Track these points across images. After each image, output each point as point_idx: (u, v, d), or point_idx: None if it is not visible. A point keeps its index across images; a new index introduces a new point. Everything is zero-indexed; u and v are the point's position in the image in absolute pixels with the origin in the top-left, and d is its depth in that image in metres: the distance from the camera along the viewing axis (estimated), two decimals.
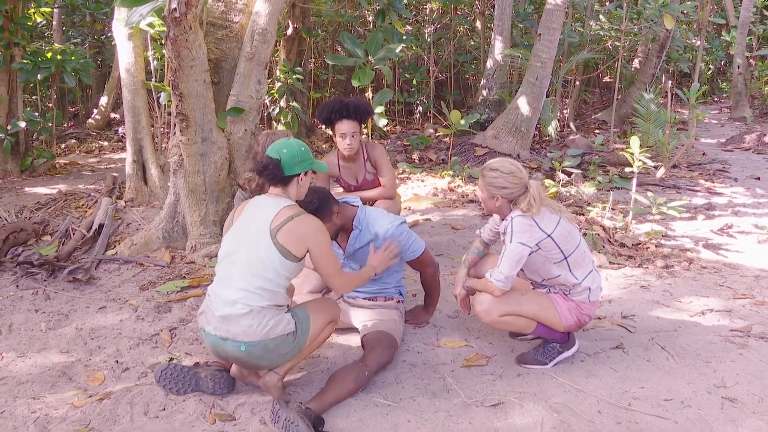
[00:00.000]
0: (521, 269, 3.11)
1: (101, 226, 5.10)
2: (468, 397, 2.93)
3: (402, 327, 3.41)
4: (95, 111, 12.12)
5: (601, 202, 5.87)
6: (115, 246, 4.89)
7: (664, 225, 5.52)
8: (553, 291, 3.21)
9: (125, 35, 6.05)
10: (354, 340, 3.41)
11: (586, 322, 3.23)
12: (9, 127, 7.67)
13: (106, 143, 10.70)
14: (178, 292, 4.06)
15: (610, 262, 4.69)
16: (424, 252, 3.44)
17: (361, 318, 3.39)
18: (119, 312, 3.83)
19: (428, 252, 3.48)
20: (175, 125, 4.51)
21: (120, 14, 5.99)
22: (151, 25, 6.09)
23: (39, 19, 9.26)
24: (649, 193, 5.38)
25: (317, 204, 3.14)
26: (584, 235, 5.03)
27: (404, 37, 9.65)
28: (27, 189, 7.03)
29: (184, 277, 4.25)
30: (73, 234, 5.05)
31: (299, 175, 2.91)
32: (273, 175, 2.85)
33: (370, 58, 6.73)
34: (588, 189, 6.24)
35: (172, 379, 2.87)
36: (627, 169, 5.66)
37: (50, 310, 3.84)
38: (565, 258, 3.06)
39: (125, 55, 6.08)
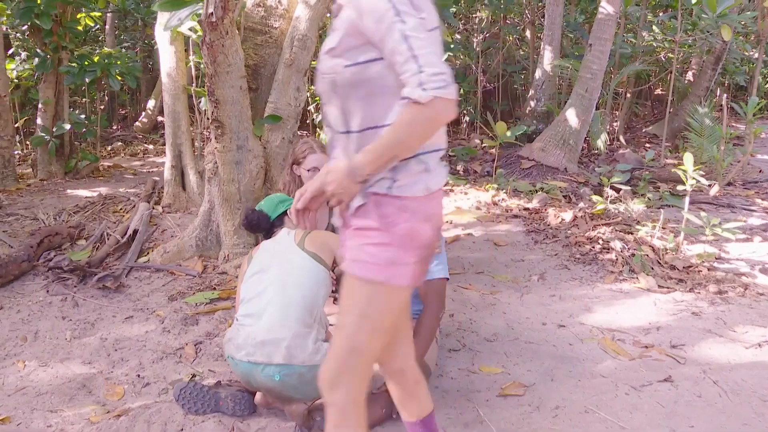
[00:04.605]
0: None
1: (135, 231, 5.04)
2: (502, 430, 2.74)
3: (436, 352, 3.22)
4: (143, 114, 12.24)
5: (650, 221, 5.60)
6: (148, 253, 4.82)
7: (717, 246, 5.23)
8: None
9: (167, 39, 6.01)
10: None
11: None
12: (54, 129, 7.74)
13: (151, 146, 10.78)
14: (207, 303, 3.95)
15: (659, 286, 4.43)
16: (441, 282, 3.00)
17: None
18: (146, 323, 3.73)
19: (445, 286, 3.08)
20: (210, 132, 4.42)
21: (162, 18, 5.95)
22: (193, 29, 6.03)
23: (90, 24, 9.35)
24: (702, 213, 5.10)
25: None
26: (632, 255, 4.79)
27: (452, 47, 9.49)
28: (69, 191, 7.06)
29: (215, 288, 4.15)
30: (108, 239, 5.01)
31: (285, 213, 2.94)
32: (260, 222, 2.91)
33: None
34: (637, 206, 5.97)
35: (191, 399, 2.75)
36: (679, 187, 5.39)
37: (77, 318, 3.77)
38: None
39: (167, 60, 6.04)
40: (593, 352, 3.49)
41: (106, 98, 13.81)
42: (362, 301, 1.81)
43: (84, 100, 10.66)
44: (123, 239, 4.93)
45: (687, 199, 5.08)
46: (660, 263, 4.82)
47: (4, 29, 10.03)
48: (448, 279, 3.06)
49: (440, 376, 3.20)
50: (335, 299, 3.04)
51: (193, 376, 3.14)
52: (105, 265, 4.56)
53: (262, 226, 2.93)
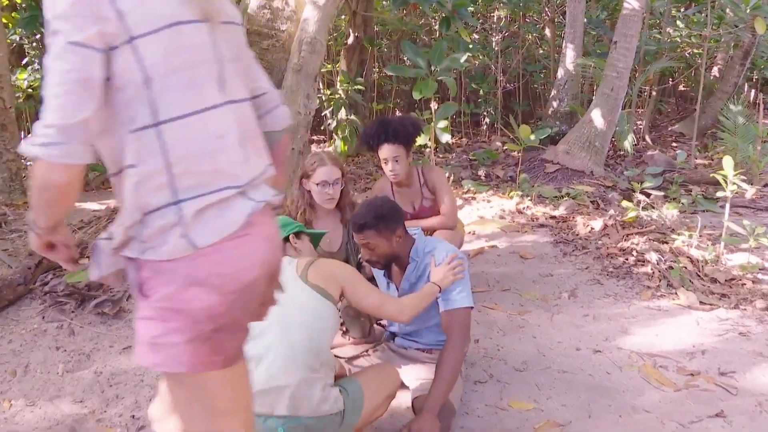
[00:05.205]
0: None
1: None
2: None
3: (461, 387, 2.91)
4: None
5: (686, 228, 5.24)
6: None
7: (760, 255, 4.85)
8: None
9: None
10: (404, 398, 2.91)
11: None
12: None
13: None
14: None
15: (701, 302, 4.08)
16: (465, 311, 2.70)
17: (414, 374, 2.90)
18: None
19: (470, 317, 2.77)
20: None
21: None
22: None
23: None
24: (745, 221, 4.73)
25: (387, 211, 2.70)
26: (670, 268, 4.44)
27: (470, 46, 9.17)
28: (77, 204, 6.82)
29: None
30: None
31: (287, 239, 2.64)
32: None
33: (433, 68, 6.27)
34: (670, 211, 5.61)
35: None
36: (719, 194, 5.02)
37: (71, 348, 3.49)
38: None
39: None
40: (634, 382, 3.16)
41: None
42: (168, 393, 1.51)
43: None
44: None
45: (727, 207, 4.71)
46: (700, 276, 4.47)
47: (18, 39, 9.88)
48: (472, 308, 2.75)
49: (465, 414, 2.88)
50: (344, 332, 2.75)
51: None
52: (105, 287, 4.29)
53: None
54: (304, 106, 4.32)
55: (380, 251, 2.73)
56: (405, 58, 11.01)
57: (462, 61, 6.40)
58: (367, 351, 3.07)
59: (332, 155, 3.45)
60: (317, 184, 3.34)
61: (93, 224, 5.73)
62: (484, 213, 6.16)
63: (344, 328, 2.73)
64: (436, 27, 10.96)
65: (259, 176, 1.55)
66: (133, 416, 2.87)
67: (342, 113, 8.14)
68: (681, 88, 14.45)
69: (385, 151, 3.64)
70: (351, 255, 3.51)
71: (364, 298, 2.43)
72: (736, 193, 6.33)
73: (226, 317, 1.45)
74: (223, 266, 1.43)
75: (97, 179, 7.93)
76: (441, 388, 2.53)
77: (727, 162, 4.56)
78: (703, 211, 6.12)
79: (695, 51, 11.54)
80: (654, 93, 10.85)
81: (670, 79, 11.81)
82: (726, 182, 4.58)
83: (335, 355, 2.95)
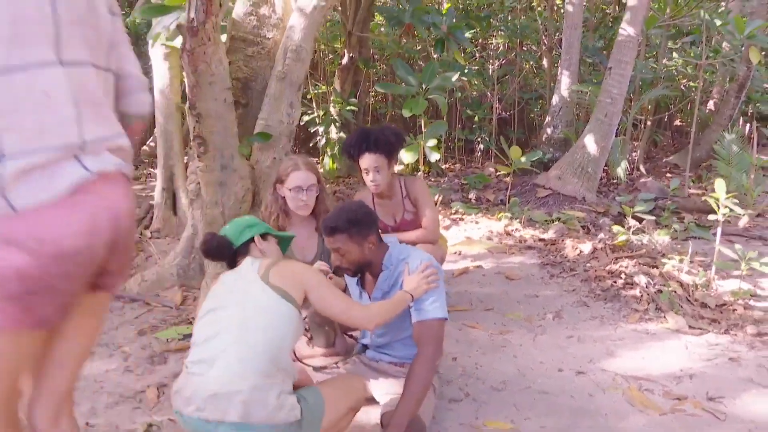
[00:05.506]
0: None
1: None
2: None
3: (433, 403, 2.76)
4: (150, 138, 11.95)
5: (677, 253, 5.12)
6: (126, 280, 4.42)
7: (752, 282, 4.73)
8: None
9: (161, 55, 5.67)
10: (373, 414, 2.77)
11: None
12: None
13: (155, 170, 10.45)
14: (180, 340, 3.52)
15: (690, 327, 3.95)
16: (438, 323, 2.57)
17: (384, 388, 2.75)
18: (108, 360, 3.30)
19: (443, 328, 2.62)
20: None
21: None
22: None
23: None
24: (737, 246, 4.61)
25: (360, 215, 2.59)
26: (659, 292, 4.32)
27: (466, 71, 9.13)
28: None
29: (191, 323, 3.71)
30: None
31: (252, 240, 2.51)
32: (220, 248, 2.48)
33: (424, 86, 6.19)
34: (661, 237, 5.50)
35: None
36: (710, 217, 4.91)
37: None
38: None
39: (160, 77, 5.70)
40: (617, 405, 3.01)
41: None
42: None
43: None
44: None
45: (719, 231, 4.60)
46: (690, 300, 4.33)
47: None
48: (446, 319, 2.62)
49: None
50: (309, 338, 2.60)
51: (150, 426, 2.70)
52: None
53: (222, 254, 2.49)
54: (287, 114, 4.21)
55: (351, 257, 2.60)
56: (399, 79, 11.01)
57: (453, 79, 6.32)
58: (336, 364, 2.93)
59: (307, 160, 3.33)
60: (291, 190, 3.22)
61: None
62: (471, 234, 6.04)
63: (309, 335, 2.59)
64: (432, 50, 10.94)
65: (99, 142, 1.52)
66: (87, 423, 2.72)
67: (333, 132, 8.05)
68: (677, 123, 14.42)
69: (366, 160, 3.53)
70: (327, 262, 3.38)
71: (329, 303, 2.30)
72: (728, 221, 6.25)
73: (40, 281, 1.42)
74: (43, 230, 1.41)
75: None
76: (410, 402, 2.39)
77: (719, 185, 4.46)
78: (696, 238, 6.00)
79: (691, 84, 11.52)
80: (649, 123, 10.80)
81: (666, 112, 11.75)
82: (718, 206, 4.47)
83: (305, 364, 2.81)
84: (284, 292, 2.18)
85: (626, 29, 7.27)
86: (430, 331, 2.53)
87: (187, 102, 3.70)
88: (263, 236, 2.55)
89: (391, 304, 2.47)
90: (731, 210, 4.47)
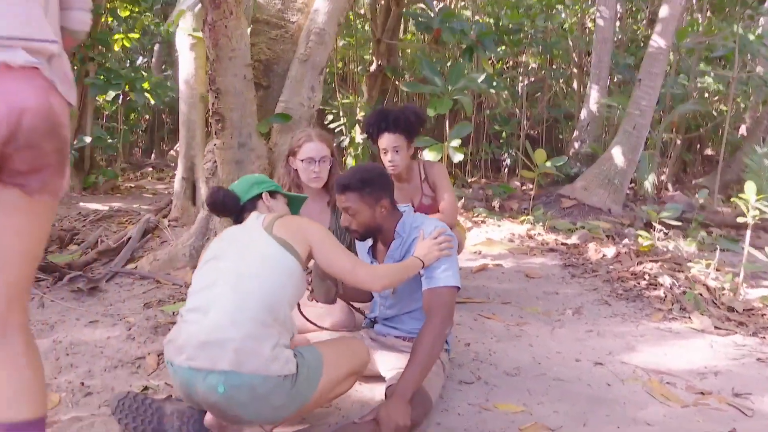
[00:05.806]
0: None
1: (129, 239, 4.60)
2: None
3: (442, 381, 2.64)
4: (177, 144, 12.07)
5: (704, 260, 4.95)
6: (139, 260, 4.37)
7: None
8: None
9: (188, 46, 5.67)
10: (379, 390, 2.65)
11: None
12: (75, 142, 7.46)
13: None
14: None
15: (715, 327, 3.78)
16: (449, 290, 2.46)
17: (390, 363, 2.63)
18: (111, 328, 3.23)
19: (454, 297, 2.51)
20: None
21: (185, 23, 5.63)
22: None
23: (128, 45, 9.18)
24: (767, 248, 4.44)
25: (374, 176, 2.51)
26: (683, 293, 4.16)
27: (494, 84, 9.04)
28: (82, 204, 6.72)
29: None
30: (101, 245, 4.57)
31: (260, 197, 2.46)
32: (225, 202, 2.43)
33: (449, 87, 6.13)
34: (688, 246, 5.34)
35: (130, 413, 2.19)
36: (739, 219, 4.73)
37: (37, 319, 3.29)
38: None
39: (185, 67, 5.70)
40: (637, 396, 2.86)
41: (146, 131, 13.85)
42: None
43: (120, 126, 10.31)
44: (114, 245, 4.49)
45: (748, 234, 4.43)
46: (716, 304, 4.17)
47: None
48: (458, 288, 2.51)
49: (445, 411, 2.61)
50: (311, 292, 2.51)
51: (145, 388, 2.62)
52: (88, 269, 4.12)
53: (228, 208, 2.42)
54: (308, 98, 4.16)
55: (361, 219, 2.51)
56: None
57: (479, 81, 6.25)
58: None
59: (320, 132, 3.26)
60: (303, 161, 3.15)
61: (90, 218, 5.59)
62: (492, 236, 5.91)
63: (311, 287, 2.50)
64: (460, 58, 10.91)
65: (11, 40, 1.44)
66: (83, 383, 2.64)
67: (357, 132, 8.01)
68: (708, 152, 14.19)
69: (385, 140, 3.45)
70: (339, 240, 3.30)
71: (334, 260, 2.21)
72: (759, 236, 6.05)
73: None
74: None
75: (106, 184, 7.84)
76: (415, 371, 2.27)
77: (749, 186, 4.30)
78: (723, 250, 5.82)
79: (723, 108, 11.33)
80: (679, 142, 10.61)
81: (696, 133, 11.54)
82: (748, 208, 4.31)
83: (310, 321, 2.72)
84: (287, 244, 2.10)
85: (657, 41, 7.16)
86: (440, 299, 2.43)
87: (208, 77, 3.67)
88: (272, 194, 2.48)
89: (400, 267, 2.38)
90: (761, 212, 4.31)
